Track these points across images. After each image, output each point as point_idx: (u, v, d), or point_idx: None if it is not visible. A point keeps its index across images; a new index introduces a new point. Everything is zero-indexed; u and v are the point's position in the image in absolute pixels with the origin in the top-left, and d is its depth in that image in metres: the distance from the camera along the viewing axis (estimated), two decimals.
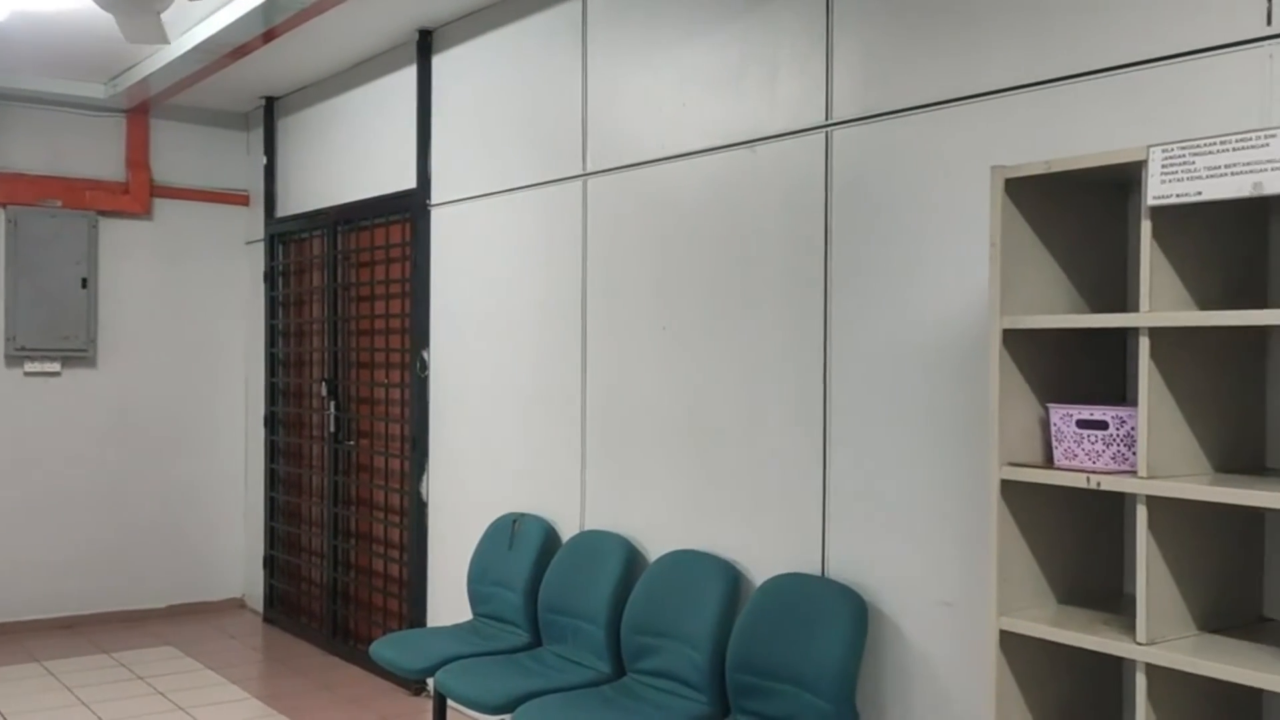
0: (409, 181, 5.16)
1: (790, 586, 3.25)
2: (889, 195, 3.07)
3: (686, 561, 3.61)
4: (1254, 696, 2.30)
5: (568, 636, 3.91)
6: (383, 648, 4.08)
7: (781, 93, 3.38)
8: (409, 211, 5.18)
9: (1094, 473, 2.20)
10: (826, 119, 3.24)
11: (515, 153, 4.53)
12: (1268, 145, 1.88)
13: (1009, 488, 2.34)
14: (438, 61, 5.02)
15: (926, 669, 2.97)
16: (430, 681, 4.34)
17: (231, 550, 6.84)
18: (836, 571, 3.21)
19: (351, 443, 5.77)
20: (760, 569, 3.43)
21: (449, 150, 4.95)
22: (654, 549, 3.84)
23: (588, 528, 4.15)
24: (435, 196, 5.03)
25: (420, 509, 5.10)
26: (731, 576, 3.45)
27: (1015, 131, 2.76)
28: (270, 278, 6.48)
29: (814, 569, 3.28)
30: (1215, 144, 1.95)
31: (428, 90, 5.06)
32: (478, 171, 4.76)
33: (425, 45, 5.05)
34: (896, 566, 3.05)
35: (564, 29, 4.26)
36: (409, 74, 5.17)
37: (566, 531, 4.24)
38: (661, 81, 3.81)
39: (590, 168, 4.13)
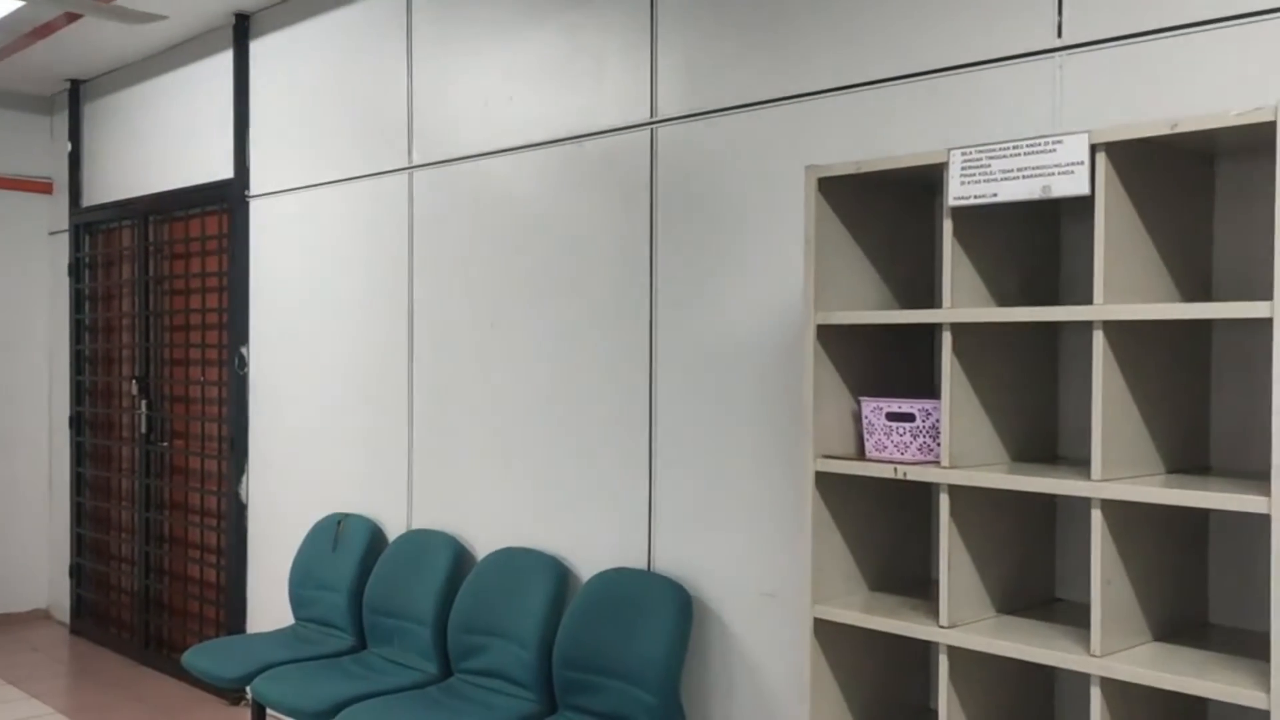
0: (226, 171, 4.96)
1: (617, 581, 3.26)
2: (712, 193, 3.11)
3: (514, 559, 3.59)
4: (1048, 674, 2.43)
5: (394, 638, 3.84)
6: (197, 656, 3.92)
7: (608, 88, 3.39)
8: (226, 202, 4.99)
9: (901, 463, 2.28)
10: (652, 116, 3.27)
11: (338, 144, 4.41)
12: (1055, 150, 1.98)
13: (823, 479, 2.40)
14: (255, 47, 4.84)
15: (749, 659, 3.03)
16: (249, 690, 4.19)
17: (35, 559, 6.45)
18: (663, 565, 3.24)
19: (165, 444, 5.52)
20: (588, 565, 3.44)
21: (268, 140, 4.78)
22: (482, 547, 3.80)
23: (415, 527, 4.08)
24: (254, 187, 4.85)
25: (239, 512, 4.92)
26: (559, 573, 3.44)
27: (831, 132, 2.84)
28: (76, 270, 6.13)
29: (640, 563, 3.30)
30: (1009, 148, 2.05)
31: (245, 77, 4.87)
32: (299, 162, 4.62)
33: (242, 30, 4.86)
34: (721, 559, 3.10)
35: (387, 18, 4.17)
36: (225, 59, 4.97)
37: (393, 531, 4.16)
38: (488, 74, 3.78)
39: (416, 160, 4.06)
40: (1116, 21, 2.36)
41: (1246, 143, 2.02)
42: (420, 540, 3.94)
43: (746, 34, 3.03)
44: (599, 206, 3.42)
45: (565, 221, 3.52)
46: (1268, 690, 1.76)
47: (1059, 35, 2.44)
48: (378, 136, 4.22)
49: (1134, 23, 2.33)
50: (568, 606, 3.35)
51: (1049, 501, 2.44)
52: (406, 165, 4.09)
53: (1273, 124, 1.75)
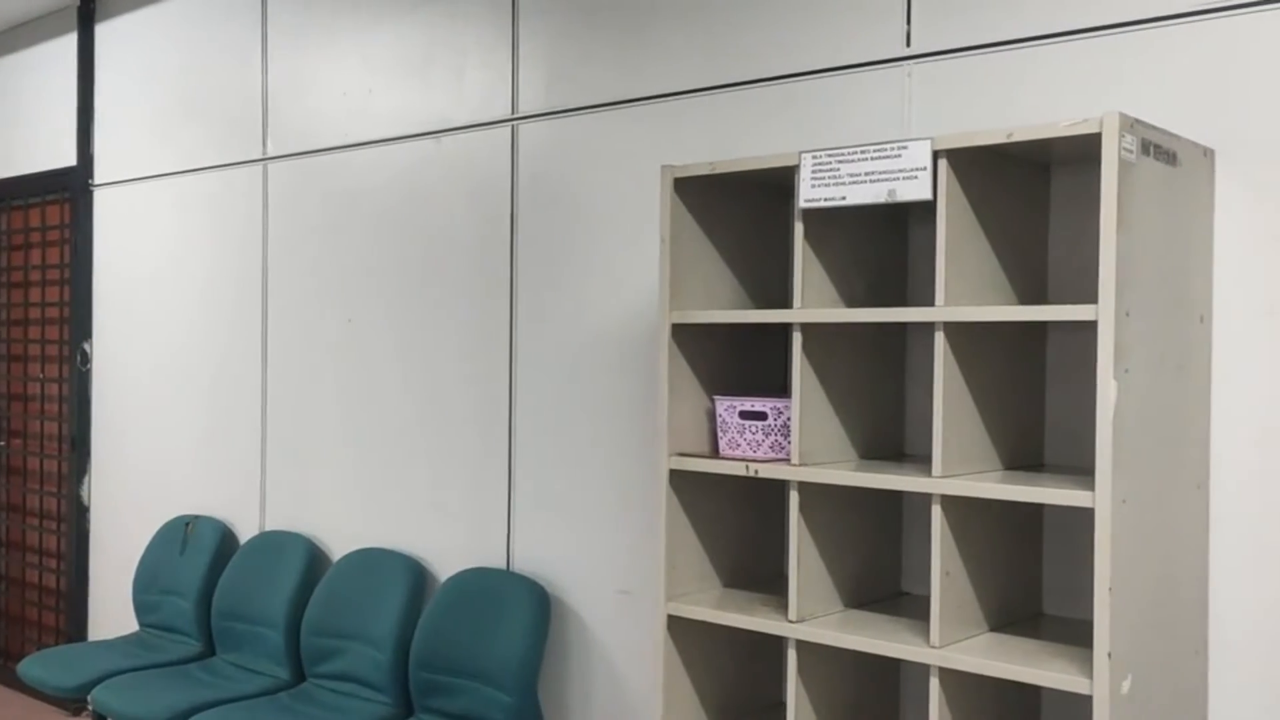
0: (68, 159, 4.74)
1: (474, 581, 3.23)
2: (572, 191, 3.11)
3: (370, 560, 3.52)
4: (894, 665, 2.50)
5: (244, 644, 3.72)
6: (33, 666, 3.73)
7: (468, 84, 3.35)
8: (68, 191, 4.77)
9: (753, 461, 2.31)
10: (513, 113, 3.25)
11: (189, 133, 4.26)
12: (900, 156, 2.04)
13: (677, 477, 2.42)
14: (102, 30, 4.64)
15: (606, 656, 3.03)
16: (90, 700, 4.01)
17: None
18: (521, 564, 3.23)
19: (2, 444, 5.25)
20: (446, 565, 3.40)
21: (115, 127, 4.59)
22: (338, 548, 3.72)
23: (268, 528, 3.96)
24: (99, 176, 4.65)
25: (80, 514, 4.70)
26: (416, 573, 3.39)
27: (690, 133, 2.87)
28: None
29: (499, 563, 3.28)
30: (857, 153, 2.09)
31: (90, 61, 4.67)
32: (147, 151, 4.44)
33: (87, 12, 4.65)
34: (579, 557, 3.09)
35: (242, 4, 4.04)
36: (69, 42, 4.75)
37: (245, 533, 4.04)
38: (346, 66, 3.70)
39: (271, 152, 3.94)
40: (962, 33, 2.44)
41: (1078, 153, 2.11)
42: (273, 542, 3.83)
43: (608, 33, 3.03)
44: (459, 203, 3.38)
45: (425, 217, 3.47)
46: (1090, 676, 1.84)
47: (908, 44, 2.51)
48: (231, 126, 4.09)
49: (978, 34, 2.42)
50: (425, 608, 3.30)
51: (896, 498, 2.51)
52: (261, 157, 3.98)
53: (1099, 135, 1.83)
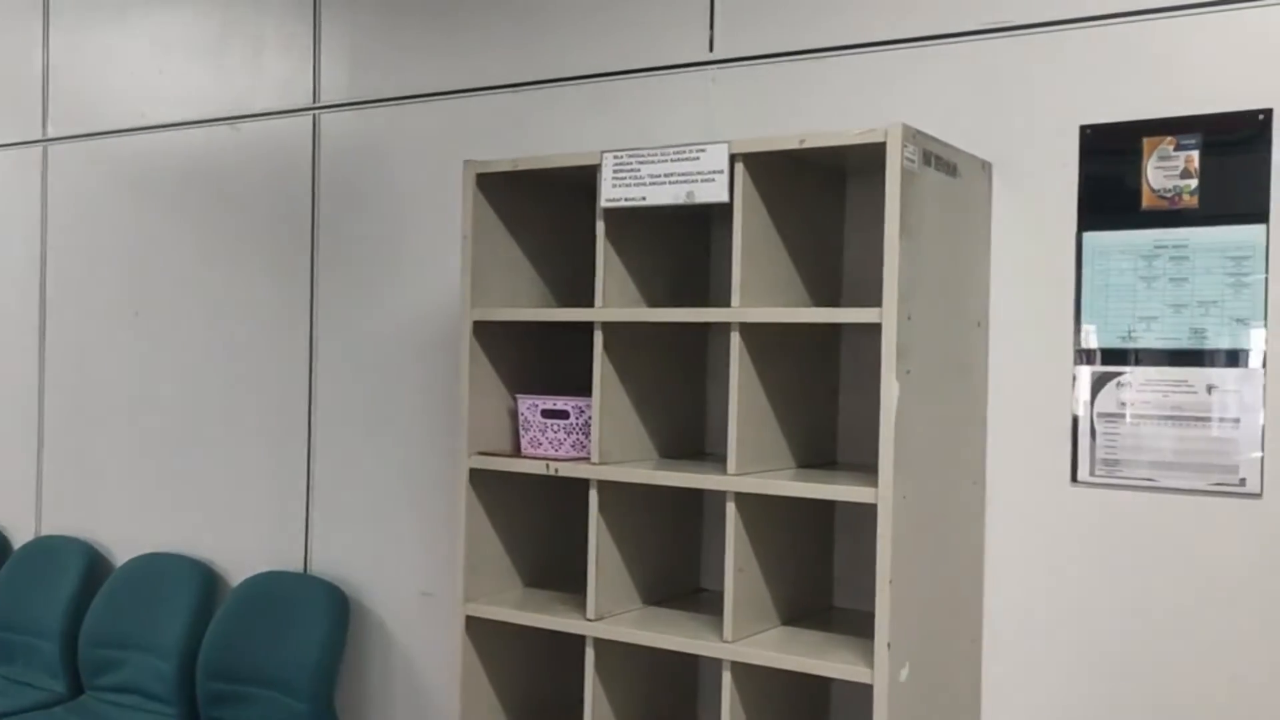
0: None
1: (269, 585, 3.11)
2: (376, 184, 3.04)
3: (156, 565, 3.35)
4: (692, 661, 2.53)
5: (17, 656, 3.48)
6: None
7: (268, 70, 3.23)
8: None
9: (555, 460, 2.31)
10: (314, 101, 3.14)
11: None
12: (698, 158, 2.07)
13: (478, 476, 2.39)
14: None
15: (408, 660, 2.97)
16: None
17: None
18: (320, 567, 3.13)
19: None
20: (240, 569, 3.26)
21: None
22: (122, 553, 3.52)
23: (45, 533, 3.72)
24: None
25: None
26: (206, 578, 3.24)
27: (497, 129, 2.84)
28: None
29: (296, 565, 3.17)
30: (657, 154, 2.11)
31: None
32: None
33: None
34: (381, 559, 3.02)
35: None
36: None
37: (19, 538, 3.78)
38: (137, 45, 3.50)
39: (52, 133, 3.70)
40: (762, 41, 2.49)
41: (869, 161, 2.19)
42: (49, 547, 3.60)
43: (415, 24, 2.97)
44: (257, 193, 3.25)
45: (220, 207, 3.32)
46: (871, 666, 1.91)
47: (711, 49, 2.55)
48: (7, 104, 3.82)
49: (778, 43, 2.48)
50: (215, 614, 3.16)
51: (695, 496, 2.55)
52: (41, 138, 3.73)
53: (884, 144, 1.90)
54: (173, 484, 3.42)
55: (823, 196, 2.35)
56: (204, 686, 3.05)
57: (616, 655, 2.29)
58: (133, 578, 3.35)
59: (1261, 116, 2.03)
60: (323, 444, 3.13)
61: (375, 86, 3.04)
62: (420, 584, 2.95)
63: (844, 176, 2.41)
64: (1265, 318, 2.03)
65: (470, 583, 2.38)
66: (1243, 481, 2.05)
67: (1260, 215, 2.04)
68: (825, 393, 2.40)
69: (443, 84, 2.93)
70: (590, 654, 2.23)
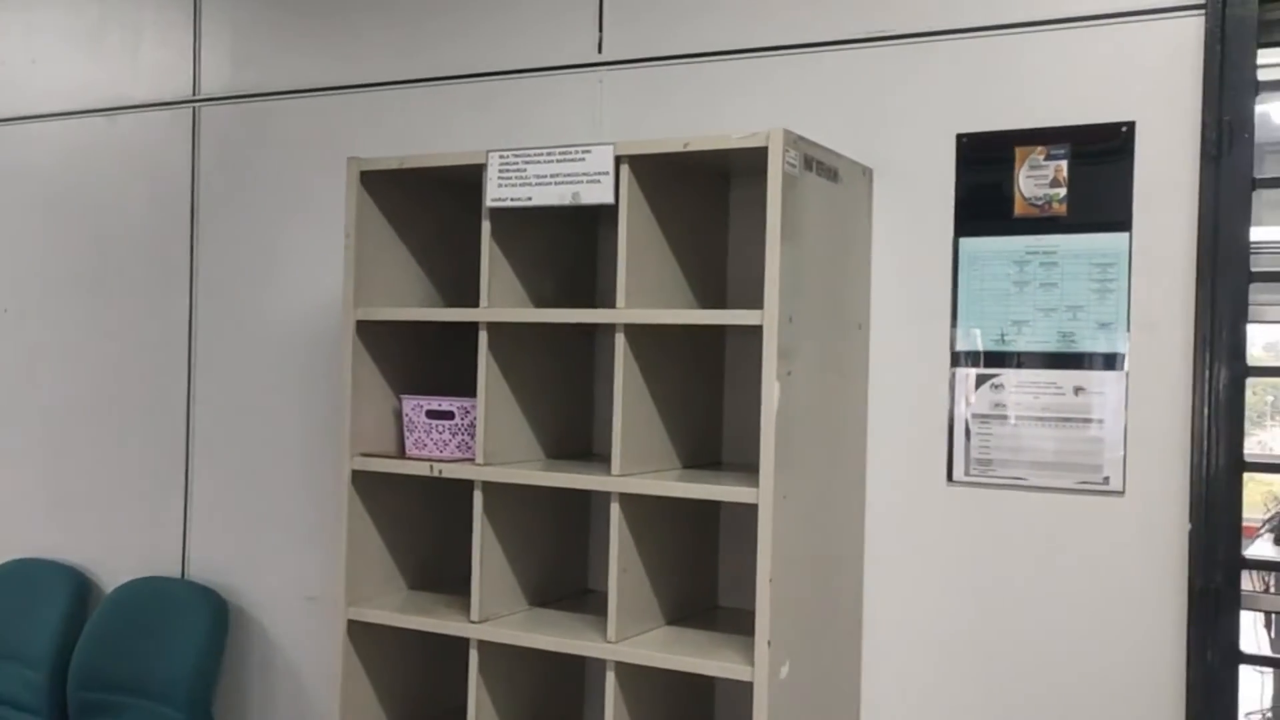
0: None
1: (145, 591, 3.02)
2: (258, 180, 2.97)
3: (25, 572, 3.22)
4: (579, 662, 2.53)
5: None
6: None
7: (145, 61, 3.14)
8: None
9: (439, 461, 2.28)
10: (194, 94, 3.06)
11: None
12: (584, 159, 2.07)
13: (360, 478, 2.36)
14: None
15: (291, 667, 2.91)
16: None
17: None
18: (199, 572, 3.05)
19: None
20: (114, 574, 3.16)
21: None
22: None
23: None
24: None
25: None
26: (79, 585, 3.13)
27: (385, 126, 2.80)
28: None
29: (174, 571, 3.08)
30: (543, 154, 2.11)
31: None
32: None
33: None
34: (263, 563, 2.96)
35: None
36: None
37: None
38: (8, 32, 3.37)
39: None
40: (650, 43, 2.51)
41: (753, 165, 2.21)
42: None
43: (300, 17, 2.92)
44: (134, 187, 3.15)
45: (95, 201, 3.21)
46: (752, 664, 1.93)
47: (600, 51, 2.56)
48: None
49: (666, 46, 2.49)
50: (87, 621, 3.05)
51: (583, 497, 2.55)
52: None
53: (766, 149, 1.93)
54: (44, 486, 3.30)
55: (708, 199, 2.38)
56: (75, 697, 2.94)
57: (501, 657, 2.28)
58: (1, 585, 3.21)
59: (1125, 129, 2.12)
60: (202, 445, 3.05)
61: (258, 80, 2.97)
62: (304, 588, 2.90)
63: (729, 179, 2.44)
64: (1128, 322, 2.11)
65: (352, 586, 2.34)
66: (1106, 480, 2.13)
67: (1124, 224, 2.12)
68: (711, 394, 2.42)
69: (328, 79, 2.88)
70: (474, 656, 2.21)
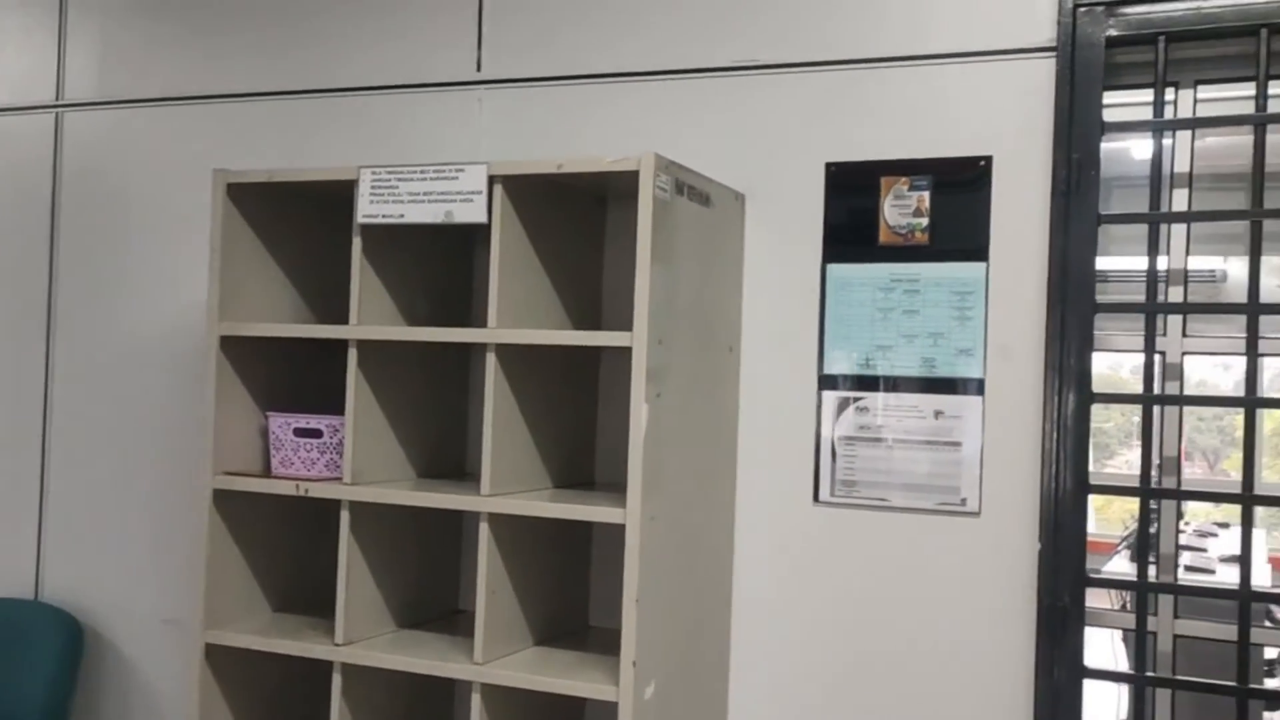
0: None
1: None
2: (123, 189, 2.88)
3: None
4: (448, 685, 2.51)
5: None
6: None
7: (7, 64, 3.02)
8: None
9: (305, 480, 2.24)
10: (58, 98, 2.96)
11: None
12: (457, 178, 2.06)
13: (222, 497, 2.30)
14: None
15: (149, 693, 2.82)
16: None
17: None
18: (52, 594, 2.93)
19: None
20: None
21: None
22: None
23: None
24: None
25: None
26: None
27: (258, 138, 2.75)
28: None
29: (26, 592, 2.96)
30: (416, 172, 2.10)
31: None
32: None
33: None
34: (122, 585, 2.86)
35: None
36: None
37: None
38: None
39: None
40: (529, 64, 2.52)
41: (628, 188, 2.24)
42: None
43: (171, 23, 2.85)
44: None
45: None
46: (617, 684, 1.94)
47: (479, 69, 2.55)
48: None
49: (545, 67, 2.50)
50: None
51: (455, 517, 2.53)
52: None
53: (637, 173, 1.95)
54: None
55: (585, 221, 2.39)
56: None
57: (366, 680, 2.24)
58: None
59: (983, 163, 2.20)
60: (59, 462, 2.94)
61: (126, 86, 2.89)
62: (162, 610, 2.81)
63: (605, 202, 2.46)
64: (985, 349, 2.19)
65: (211, 608, 2.28)
66: (964, 501, 2.20)
67: (981, 254, 2.20)
68: (584, 414, 2.43)
69: (200, 88, 2.81)
70: (337, 680, 2.17)
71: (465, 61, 2.56)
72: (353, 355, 2.19)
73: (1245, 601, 2.02)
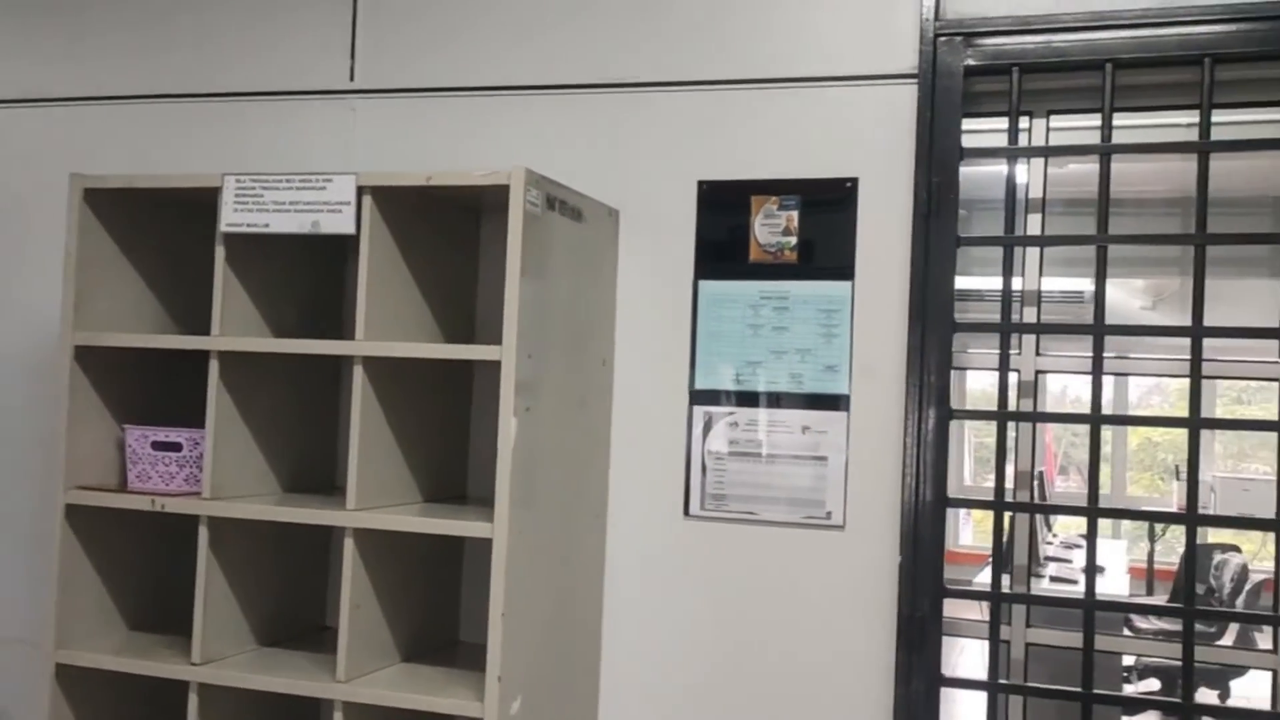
0: None
1: None
2: None
3: None
4: (312, 704, 2.45)
5: None
6: None
7: None
8: None
9: (163, 495, 2.18)
10: None
11: None
12: (325, 188, 2.03)
13: (75, 512, 2.22)
14: None
15: None
16: None
17: None
18: None
19: None
20: None
21: None
22: None
23: None
24: None
25: None
26: None
27: (122, 141, 2.67)
28: None
29: None
30: (282, 181, 2.06)
31: None
32: None
33: None
34: None
35: None
36: None
37: None
38: None
39: None
40: (403, 74, 2.50)
41: (500, 202, 2.23)
42: None
43: (31, 22, 2.75)
44: None
45: None
46: (482, 700, 1.92)
47: (352, 79, 2.53)
48: None
49: (419, 78, 2.49)
50: None
51: (323, 532, 2.48)
52: None
53: (508, 186, 1.95)
54: None
55: (458, 235, 2.38)
56: None
57: (225, 701, 2.18)
58: None
59: (849, 184, 2.26)
60: None
61: None
62: (16, 631, 2.69)
63: (479, 216, 2.45)
64: (850, 366, 2.24)
65: (63, 627, 2.20)
66: (829, 515, 2.25)
67: (847, 273, 2.25)
68: (457, 428, 2.42)
69: (62, 89, 2.72)
70: (194, 700, 2.11)
71: (339, 70, 2.53)
72: (214, 367, 2.14)
73: (1090, 610, 2.11)
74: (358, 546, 2.06)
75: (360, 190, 2.04)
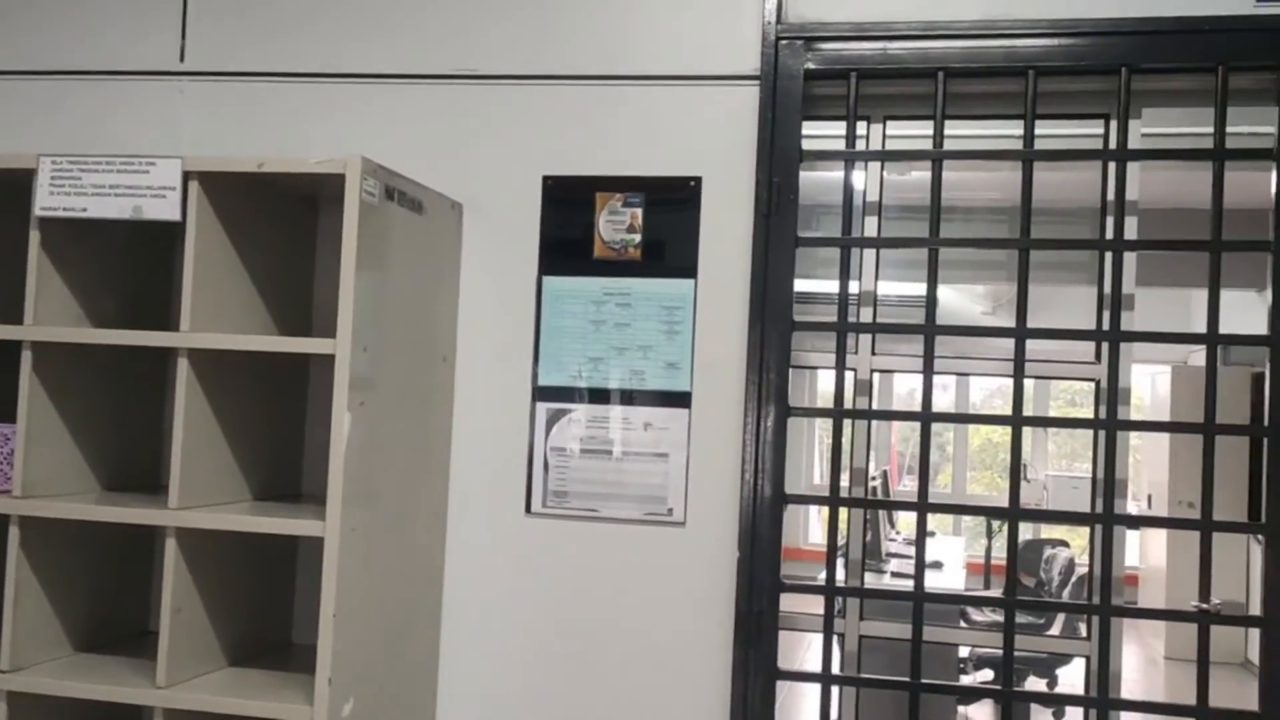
0: None
1: None
2: None
3: None
4: (132, 712, 2.34)
5: None
6: None
7: None
8: None
9: None
10: None
11: None
12: (148, 172, 1.94)
13: None
14: None
15: None
16: None
17: None
18: None
19: None
20: None
21: None
22: None
23: None
24: None
25: None
26: None
27: None
28: None
29: None
30: (102, 163, 1.96)
31: None
32: None
33: None
34: None
35: None
36: None
37: None
38: None
39: None
40: (237, 57, 2.41)
41: (336, 191, 2.17)
42: None
43: None
44: None
45: None
46: (312, 703, 1.87)
47: (181, 60, 2.42)
48: None
49: (253, 61, 2.40)
50: None
51: (146, 532, 2.37)
52: None
53: (344, 175, 1.90)
54: None
55: (294, 224, 2.31)
56: None
57: (37, 709, 2.06)
58: None
59: (693, 183, 2.27)
60: None
61: None
62: None
63: (316, 206, 2.38)
64: (692, 364, 2.26)
65: None
66: (670, 511, 2.26)
67: (690, 270, 2.27)
68: (292, 424, 2.34)
69: None
70: (2, 708, 1.99)
71: (168, 49, 2.43)
72: (27, 357, 2.02)
73: (919, 603, 2.17)
74: (181, 547, 1.97)
75: (187, 175, 1.96)
